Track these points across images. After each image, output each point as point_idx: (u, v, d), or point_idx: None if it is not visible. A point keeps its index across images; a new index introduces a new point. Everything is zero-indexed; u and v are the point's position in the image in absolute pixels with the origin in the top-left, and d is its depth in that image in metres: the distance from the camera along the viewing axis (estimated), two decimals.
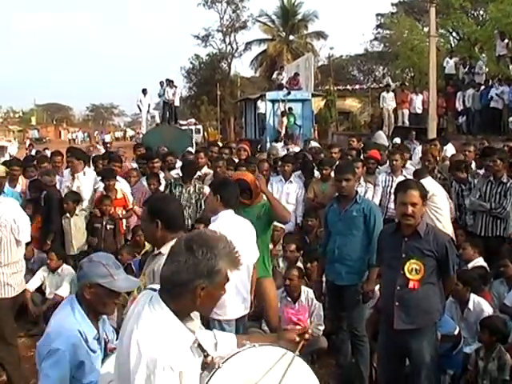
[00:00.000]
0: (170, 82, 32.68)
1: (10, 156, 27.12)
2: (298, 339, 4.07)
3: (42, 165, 13.29)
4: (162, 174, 12.96)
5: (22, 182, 12.96)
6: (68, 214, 11.59)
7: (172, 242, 5.10)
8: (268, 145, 25.66)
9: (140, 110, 33.66)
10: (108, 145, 25.94)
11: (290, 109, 29.36)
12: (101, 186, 12.09)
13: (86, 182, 12.26)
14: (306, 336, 4.08)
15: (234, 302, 7.09)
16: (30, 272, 11.27)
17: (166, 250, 5.10)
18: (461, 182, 11.62)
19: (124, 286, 4.59)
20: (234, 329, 7.07)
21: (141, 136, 34.13)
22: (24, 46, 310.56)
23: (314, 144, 17.48)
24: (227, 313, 7.06)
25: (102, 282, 4.40)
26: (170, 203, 5.47)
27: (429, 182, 10.12)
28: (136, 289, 5.26)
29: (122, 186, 12.26)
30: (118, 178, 12.33)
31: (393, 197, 10.35)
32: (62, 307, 4.50)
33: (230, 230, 6.81)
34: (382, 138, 18.67)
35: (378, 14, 55.88)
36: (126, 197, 12.09)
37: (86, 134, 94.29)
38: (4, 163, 14.01)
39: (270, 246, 9.27)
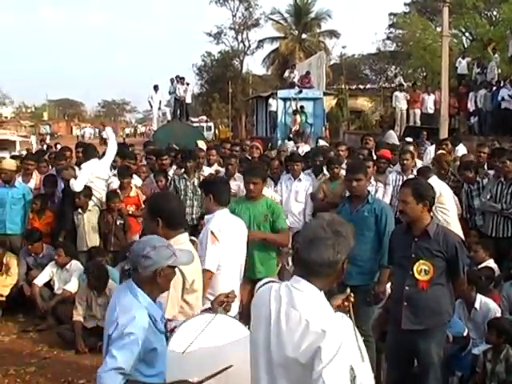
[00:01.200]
0: (181, 79, 32.72)
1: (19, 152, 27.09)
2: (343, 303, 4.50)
3: (59, 162, 13.14)
4: (171, 171, 12.94)
5: (36, 177, 12.96)
6: (80, 210, 11.58)
7: (173, 240, 5.08)
8: (279, 143, 25.69)
9: (151, 107, 33.57)
10: (107, 140, 25.99)
11: (301, 107, 29.34)
12: (114, 181, 12.09)
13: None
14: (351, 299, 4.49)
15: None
16: (39, 267, 11.32)
17: None
18: (469, 181, 11.57)
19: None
20: None
21: (152, 133, 34.19)
22: (37, 42, 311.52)
23: (322, 143, 17.45)
24: None
25: (171, 263, 4.52)
26: (170, 201, 5.48)
27: (434, 182, 10.12)
28: None
29: (136, 183, 12.31)
30: (133, 176, 12.40)
31: None
32: (121, 294, 4.52)
33: (228, 229, 7.04)
34: (393, 137, 18.62)
35: (390, 14, 55.61)
36: (140, 196, 12.07)
37: (96, 130, 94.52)
38: (15, 157, 14.06)
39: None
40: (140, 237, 11.54)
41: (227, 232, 7.09)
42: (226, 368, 4.67)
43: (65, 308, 10.37)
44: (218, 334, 4.80)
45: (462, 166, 12.05)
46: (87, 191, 11.58)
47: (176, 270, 4.88)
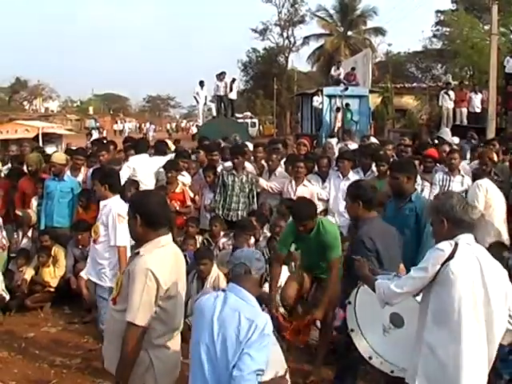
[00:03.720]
0: (219, 75, 31.76)
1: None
2: None
3: (100, 153, 13.36)
4: (220, 167, 12.96)
5: (84, 171, 13.07)
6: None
7: (154, 242, 5.10)
8: (324, 140, 25.59)
9: (197, 102, 33.31)
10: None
11: (347, 104, 29.15)
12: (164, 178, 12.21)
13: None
14: None
15: None
16: (86, 259, 11.43)
17: (143, 250, 5.14)
18: None
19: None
20: None
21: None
22: (84, 38, 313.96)
23: (373, 140, 17.38)
24: None
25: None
26: (151, 199, 5.39)
27: (486, 183, 10.14)
28: (114, 285, 5.47)
29: (184, 181, 12.37)
30: (183, 173, 12.53)
31: None
32: (233, 300, 4.69)
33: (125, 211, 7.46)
34: (447, 134, 18.61)
35: (437, 11, 55.20)
36: (186, 193, 12.12)
37: (137, 125, 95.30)
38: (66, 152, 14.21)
39: None
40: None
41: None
42: None
43: None
44: None
45: None
46: (136, 185, 11.61)
47: (150, 275, 4.96)
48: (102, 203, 8.57)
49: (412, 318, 5.43)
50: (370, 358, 5.72)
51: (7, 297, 11.03)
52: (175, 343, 5.38)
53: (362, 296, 5.95)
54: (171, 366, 5.34)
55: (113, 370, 5.19)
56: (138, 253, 5.16)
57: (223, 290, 4.84)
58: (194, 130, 59.74)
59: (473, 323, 4.88)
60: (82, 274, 11.03)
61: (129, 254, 8.25)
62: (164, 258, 5.16)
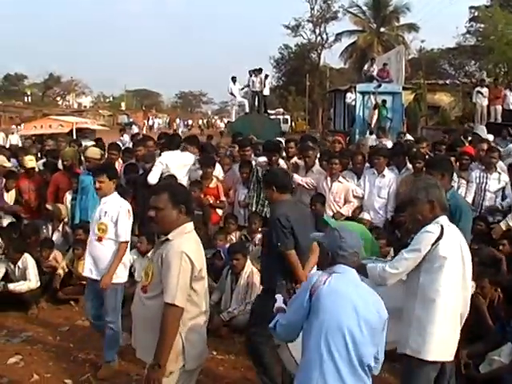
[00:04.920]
0: (254, 72, 32.03)
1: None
2: None
3: (137, 149, 13.50)
4: (253, 162, 12.93)
5: (119, 166, 13.11)
6: None
7: (181, 228, 5.42)
8: (357, 137, 25.46)
9: (235, 96, 33.12)
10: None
11: (383, 101, 28.94)
12: (198, 174, 12.22)
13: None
14: None
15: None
16: None
17: (172, 235, 5.34)
18: None
19: None
20: None
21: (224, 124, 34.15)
22: (116, 33, 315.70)
23: (408, 137, 17.32)
24: None
25: None
26: (186, 189, 5.93)
27: None
28: (144, 274, 5.57)
29: (218, 175, 12.38)
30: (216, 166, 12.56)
31: (488, 194, 10.34)
32: (359, 281, 4.88)
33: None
34: (483, 131, 18.54)
35: (471, 7, 54.60)
36: (220, 188, 12.13)
37: (167, 121, 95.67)
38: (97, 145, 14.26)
39: None
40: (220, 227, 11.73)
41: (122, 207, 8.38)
42: None
43: None
44: None
45: None
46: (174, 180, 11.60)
47: (185, 257, 5.17)
48: (103, 200, 8.41)
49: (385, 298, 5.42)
50: None
51: (37, 283, 11.13)
52: (203, 330, 5.55)
53: None
54: (199, 352, 5.46)
55: (146, 358, 5.29)
56: (167, 239, 5.35)
57: (332, 273, 4.74)
58: (222, 126, 59.88)
59: (456, 297, 5.57)
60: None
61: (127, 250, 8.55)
62: (193, 242, 5.44)
